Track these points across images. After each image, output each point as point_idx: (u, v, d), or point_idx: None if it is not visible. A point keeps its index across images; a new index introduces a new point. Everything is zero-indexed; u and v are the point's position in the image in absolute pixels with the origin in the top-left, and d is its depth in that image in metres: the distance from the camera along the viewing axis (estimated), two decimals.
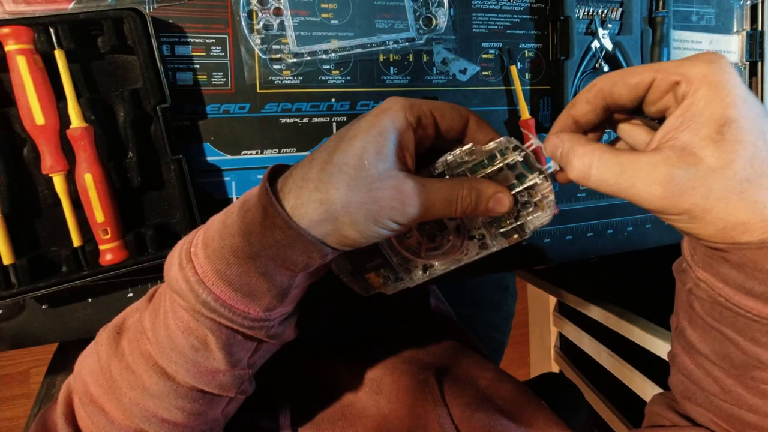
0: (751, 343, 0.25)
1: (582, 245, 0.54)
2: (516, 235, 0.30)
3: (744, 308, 0.25)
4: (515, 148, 0.28)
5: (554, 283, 1.23)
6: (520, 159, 0.28)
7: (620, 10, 0.50)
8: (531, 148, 0.29)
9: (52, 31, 0.32)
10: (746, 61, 0.58)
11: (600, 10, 0.49)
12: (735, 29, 0.58)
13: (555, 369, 1.38)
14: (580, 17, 0.49)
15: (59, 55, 0.33)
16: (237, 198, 0.37)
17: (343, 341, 0.50)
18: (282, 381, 0.42)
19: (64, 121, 0.34)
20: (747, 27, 0.58)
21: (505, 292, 0.78)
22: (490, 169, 0.29)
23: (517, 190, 0.28)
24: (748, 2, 0.58)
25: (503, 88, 0.49)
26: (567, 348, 1.32)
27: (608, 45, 0.49)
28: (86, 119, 0.34)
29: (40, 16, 0.32)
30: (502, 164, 0.28)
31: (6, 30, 0.30)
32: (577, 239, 0.54)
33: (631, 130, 0.29)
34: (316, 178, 0.25)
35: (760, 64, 0.58)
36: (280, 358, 0.37)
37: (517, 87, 0.48)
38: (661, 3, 0.50)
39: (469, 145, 0.29)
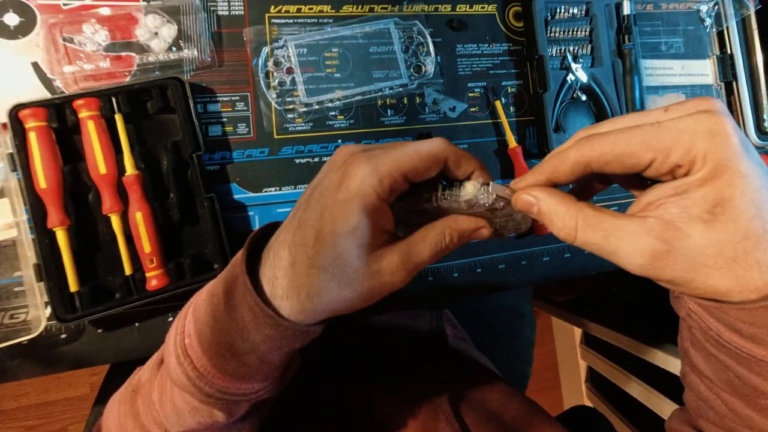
0: (750, 373, 0.24)
1: (581, 262, 0.59)
2: (494, 237, 0.32)
3: (734, 345, 0.24)
4: (498, 197, 0.28)
5: (576, 313, 1.24)
6: (500, 206, 0.29)
7: (590, 46, 0.58)
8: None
9: (113, 100, 0.42)
10: (720, 81, 0.65)
11: (571, 47, 0.57)
12: (707, 54, 0.65)
13: (588, 405, 1.36)
14: (554, 55, 0.57)
15: (118, 118, 0.42)
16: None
17: (358, 369, 0.54)
18: (297, 412, 0.46)
19: (121, 170, 0.43)
20: (717, 51, 0.66)
21: (521, 319, 0.79)
22: (471, 210, 0.30)
23: (497, 220, 0.30)
24: (714, 30, 0.65)
25: (490, 121, 0.56)
26: (598, 381, 1.31)
27: (583, 77, 0.57)
28: (137, 167, 0.43)
29: (105, 89, 0.42)
30: (482, 210, 0.29)
31: (81, 101, 0.40)
32: (576, 256, 0.58)
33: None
34: (305, 284, 0.26)
35: (735, 84, 0.64)
36: (296, 390, 0.41)
37: (503, 119, 0.56)
38: (626, 37, 0.58)
39: (440, 193, 0.29)
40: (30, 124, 0.39)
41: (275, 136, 0.49)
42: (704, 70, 0.65)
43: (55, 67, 0.42)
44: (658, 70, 0.63)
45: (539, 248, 0.57)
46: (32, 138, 0.40)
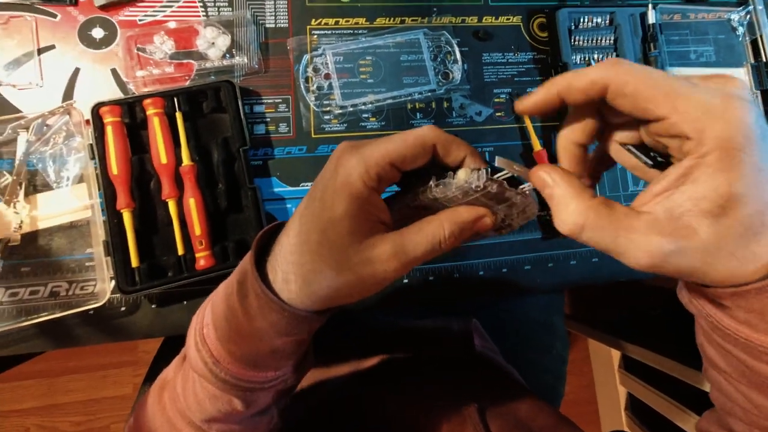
0: (757, 362, 0.25)
1: (610, 268, 0.60)
2: (503, 231, 0.32)
3: (733, 332, 0.25)
4: (489, 179, 0.27)
5: (614, 335, 1.20)
6: (495, 190, 0.28)
7: (615, 54, 0.62)
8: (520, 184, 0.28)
9: (175, 100, 0.49)
10: (756, 90, 0.66)
11: (596, 55, 0.61)
12: (741, 62, 0.67)
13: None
14: (578, 62, 0.61)
15: (178, 116, 0.49)
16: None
17: (384, 374, 0.56)
18: (322, 415, 0.49)
19: (178, 160, 0.50)
20: (751, 59, 0.67)
21: (553, 334, 0.78)
22: (468, 199, 0.29)
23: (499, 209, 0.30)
24: (748, 38, 0.67)
25: (516, 125, 0.60)
26: (639, 409, 1.26)
27: None
28: (192, 159, 0.50)
29: (169, 91, 0.49)
30: (477, 195, 0.28)
31: (149, 101, 0.48)
32: (605, 262, 0.59)
33: (623, 156, 0.29)
34: (302, 270, 0.27)
35: None
36: (322, 393, 0.44)
37: (528, 124, 0.59)
38: (652, 45, 0.61)
39: (433, 183, 0.28)
40: (107, 119, 0.47)
41: (313, 136, 0.55)
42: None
43: (129, 72, 0.50)
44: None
45: (566, 251, 0.59)
46: (109, 131, 0.47)
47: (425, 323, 0.67)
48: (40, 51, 0.51)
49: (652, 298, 1.18)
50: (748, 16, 0.66)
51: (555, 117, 0.61)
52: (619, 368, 1.29)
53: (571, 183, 0.25)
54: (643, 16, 0.61)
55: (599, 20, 0.61)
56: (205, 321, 0.32)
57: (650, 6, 0.60)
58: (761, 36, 0.66)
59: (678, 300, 0.27)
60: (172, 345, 0.72)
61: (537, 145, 0.59)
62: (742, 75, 0.67)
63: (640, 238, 0.23)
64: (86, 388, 1.37)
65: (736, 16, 0.67)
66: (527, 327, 0.77)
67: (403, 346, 0.63)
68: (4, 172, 0.48)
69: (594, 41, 0.61)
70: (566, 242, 0.59)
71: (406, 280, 0.55)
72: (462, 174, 0.28)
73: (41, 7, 0.51)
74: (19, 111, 0.50)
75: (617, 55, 0.61)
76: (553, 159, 0.60)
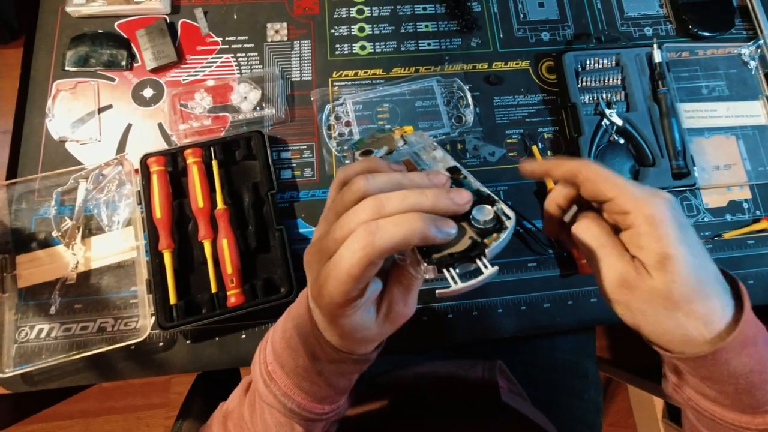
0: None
1: None
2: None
3: (688, 398, 0.32)
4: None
5: (655, 380, 1.15)
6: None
7: (623, 92, 0.65)
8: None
9: (212, 149, 0.56)
10: None
11: (604, 94, 0.65)
12: (755, 95, 0.69)
13: None
14: (587, 102, 0.65)
15: (214, 164, 0.56)
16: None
17: (407, 417, 0.57)
18: None
19: (213, 204, 0.56)
20: (766, 92, 0.69)
21: (583, 378, 0.75)
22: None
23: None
24: (761, 71, 0.70)
25: None
26: None
27: (618, 122, 0.64)
28: (225, 203, 0.56)
29: (206, 141, 0.57)
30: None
31: (189, 151, 0.55)
32: None
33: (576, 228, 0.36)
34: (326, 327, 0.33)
35: None
36: None
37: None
38: (660, 83, 0.65)
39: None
40: (153, 168, 0.55)
41: None
42: (755, 111, 0.69)
43: (173, 125, 0.58)
44: (700, 113, 0.68)
45: (586, 288, 0.60)
46: (154, 179, 0.54)
47: (448, 363, 0.68)
48: (100, 110, 0.60)
49: None
50: (759, 51, 0.69)
51: (566, 155, 0.65)
52: (663, 418, 1.23)
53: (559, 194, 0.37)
54: (650, 56, 0.65)
55: (605, 61, 0.65)
56: (268, 360, 0.37)
57: (655, 46, 0.65)
58: None
59: None
60: (204, 383, 0.77)
61: (551, 183, 0.62)
62: (758, 108, 0.69)
63: (613, 259, 0.32)
64: (121, 429, 1.43)
65: (746, 50, 0.70)
66: (554, 370, 0.75)
67: (424, 388, 0.64)
68: (65, 218, 0.56)
69: (602, 81, 0.65)
70: (585, 280, 0.60)
71: (425, 318, 0.58)
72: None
73: (103, 72, 0.61)
74: (80, 163, 0.58)
75: (626, 94, 0.65)
76: None
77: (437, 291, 0.27)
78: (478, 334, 0.58)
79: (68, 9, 0.62)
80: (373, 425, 0.56)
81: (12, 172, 0.58)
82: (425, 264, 0.28)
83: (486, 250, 0.28)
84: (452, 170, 0.35)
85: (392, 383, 0.65)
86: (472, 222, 0.29)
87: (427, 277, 0.29)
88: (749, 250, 0.62)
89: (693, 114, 0.67)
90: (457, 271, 0.28)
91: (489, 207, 0.30)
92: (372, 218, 0.26)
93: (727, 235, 0.63)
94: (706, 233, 0.63)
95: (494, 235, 0.28)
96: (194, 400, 0.73)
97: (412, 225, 0.26)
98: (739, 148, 0.67)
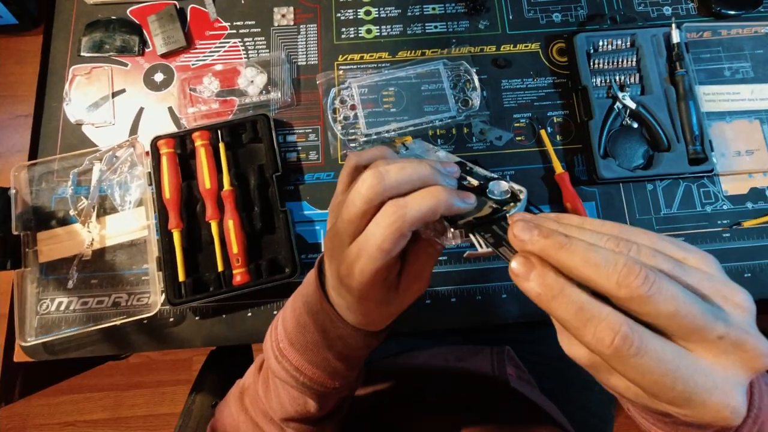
0: None
1: None
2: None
3: None
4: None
5: None
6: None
7: (638, 74, 0.64)
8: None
9: (219, 132, 0.58)
10: None
11: (617, 77, 0.63)
12: None
13: None
14: (599, 85, 0.63)
15: (221, 146, 0.58)
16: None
17: (414, 402, 0.58)
18: None
19: (220, 186, 0.58)
20: None
21: None
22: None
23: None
24: None
25: (537, 149, 0.63)
26: None
27: (631, 105, 0.62)
28: (232, 184, 0.58)
29: (214, 124, 0.59)
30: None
31: (197, 133, 0.57)
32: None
33: None
34: (341, 302, 0.35)
35: None
36: (354, 418, 0.50)
37: (549, 147, 0.62)
38: (678, 64, 0.62)
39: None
40: (163, 150, 0.57)
41: (340, 162, 0.62)
42: None
43: (182, 109, 0.60)
44: (721, 96, 0.65)
45: None
46: (164, 161, 0.57)
47: (456, 349, 0.69)
48: (113, 95, 0.63)
49: None
50: None
51: (576, 140, 0.64)
52: None
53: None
54: (668, 36, 0.63)
55: (619, 42, 0.64)
56: (279, 338, 0.39)
57: (673, 26, 0.62)
58: None
59: None
60: (217, 359, 0.80)
61: (559, 168, 0.62)
62: None
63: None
64: (147, 403, 1.50)
65: None
66: (562, 360, 0.74)
67: (431, 374, 0.65)
68: (82, 197, 0.59)
69: (615, 63, 0.63)
70: None
71: (428, 301, 0.59)
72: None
73: (116, 57, 0.63)
74: (95, 145, 0.61)
75: (641, 77, 0.64)
76: (577, 182, 0.62)
77: (465, 254, 0.34)
78: (482, 318, 0.59)
79: None
80: (381, 409, 0.58)
81: (33, 154, 0.62)
82: (452, 231, 0.31)
83: (507, 215, 0.30)
84: (458, 164, 0.36)
85: (400, 368, 0.66)
86: (489, 195, 0.32)
87: (453, 243, 0.31)
88: None
89: (713, 97, 0.65)
90: (484, 234, 0.29)
91: (503, 182, 0.32)
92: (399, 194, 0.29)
93: (747, 224, 0.61)
94: (725, 221, 0.61)
95: (511, 204, 0.31)
96: (207, 376, 0.76)
97: (437, 196, 0.28)
98: (763, 132, 0.64)
